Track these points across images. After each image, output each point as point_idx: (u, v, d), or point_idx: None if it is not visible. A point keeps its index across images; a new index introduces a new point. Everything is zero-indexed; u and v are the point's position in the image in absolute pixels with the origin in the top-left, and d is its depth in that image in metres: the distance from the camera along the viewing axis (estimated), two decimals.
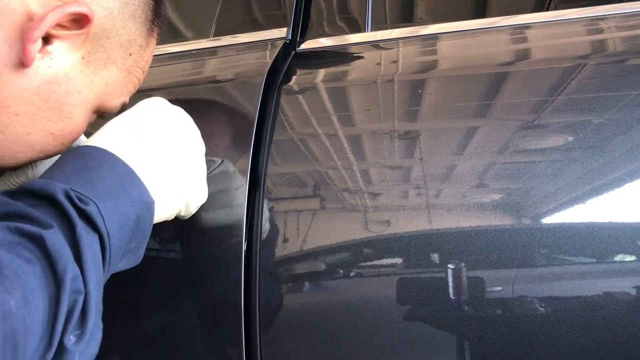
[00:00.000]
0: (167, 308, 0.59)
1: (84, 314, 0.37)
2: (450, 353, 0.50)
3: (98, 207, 0.40)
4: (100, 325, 0.40)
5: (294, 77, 0.67)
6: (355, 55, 0.71)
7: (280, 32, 0.74)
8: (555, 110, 0.54)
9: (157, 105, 0.52)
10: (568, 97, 0.55)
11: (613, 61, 0.59)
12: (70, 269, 0.36)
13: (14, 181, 0.53)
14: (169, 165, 0.49)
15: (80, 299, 0.37)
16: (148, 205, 0.45)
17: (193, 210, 0.54)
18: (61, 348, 0.36)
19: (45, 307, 0.35)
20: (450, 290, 0.50)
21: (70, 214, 0.38)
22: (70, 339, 0.36)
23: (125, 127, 0.48)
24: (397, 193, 0.55)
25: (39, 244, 0.36)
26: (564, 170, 0.51)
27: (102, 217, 0.40)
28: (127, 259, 0.45)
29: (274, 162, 0.60)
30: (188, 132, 0.53)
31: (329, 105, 0.64)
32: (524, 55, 0.64)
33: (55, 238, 0.37)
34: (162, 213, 0.49)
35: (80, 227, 0.39)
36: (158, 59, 0.80)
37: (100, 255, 0.40)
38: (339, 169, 0.57)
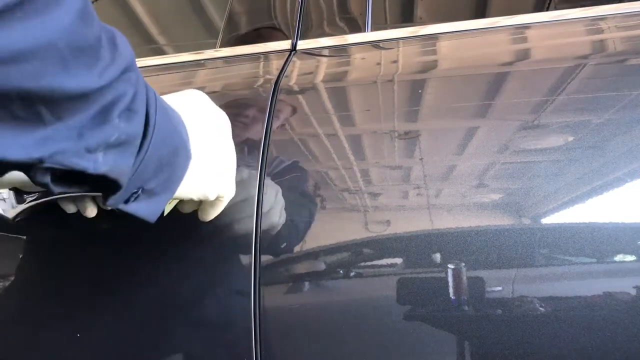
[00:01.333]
0: (175, 310, 0.59)
1: (130, 112, 0.35)
2: (450, 353, 0.50)
3: (156, 96, 0.38)
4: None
5: (293, 77, 0.67)
6: (355, 55, 0.71)
7: (286, 44, 0.75)
8: (555, 110, 0.54)
9: (205, 98, 0.53)
10: (568, 97, 0.55)
11: (613, 61, 0.59)
12: (129, 60, 0.34)
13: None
14: (210, 145, 0.49)
15: (130, 93, 0.35)
16: (187, 151, 0.44)
17: (214, 195, 0.51)
18: (105, 116, 0.33)
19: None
20: (450, 290, 0.50)
21: (135, 70, 0.36)
22: (115, 116, 0.34)
23: (176, 100, 0.48)
24: (397, 193, 0.55)
25: (109, 32, 0.34)
26: (564, 170, 0.51)
27: (156, 102, 0.38)
28: (146, 200, 0.42)
29: (273, 162, 0.60)
30: (228, 127, 0.54)
31: (328, 105, 0.64)
32: (524, 55, 0.64)
33: (125, 40, 0.35)
34: (195, 182, 0.48)
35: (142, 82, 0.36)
36: (167, 67, 0.81)
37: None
38: (339, 169, 0.57)
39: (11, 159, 0.30)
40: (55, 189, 0.35)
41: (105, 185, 0.37)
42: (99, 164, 0.34)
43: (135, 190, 0.40)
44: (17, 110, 0.29)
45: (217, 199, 0.53)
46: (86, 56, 0.31)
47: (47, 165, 0.32)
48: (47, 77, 0.29)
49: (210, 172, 0.50)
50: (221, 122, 0.53)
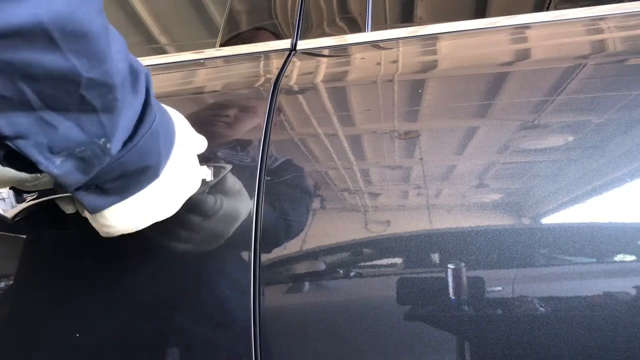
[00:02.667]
0: (175, 310, 0.59)
1: (108, 141, 0.37)
2: (450, 353, 0.50)
3: (156, 118, 0.40)
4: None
5: (293, 77, 0.67)
6: (355, 55, 0.71)
7: (286, 44, 0.75)
8: (555, 110, 0.54)
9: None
10: (568, 97, 0.55)
11: (613, 61, 0.59)
12: (139, 68, 0.37)
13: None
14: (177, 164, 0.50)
15: (125, 112, 0.37)
16: (156, 171, 0.45)
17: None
18: (85, 124, 0.35)
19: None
20: (450, 290, 0.50)
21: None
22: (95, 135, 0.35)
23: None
24: (397, 193, 0.55)
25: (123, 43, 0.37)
26: (564, 170, 0.51)
27: (152, 125, 0.40)
28: (96, 195, 0.43)
29: (273, 161, 0.60)
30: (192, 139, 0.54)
31: (328, 105, 0.64)
32: (524, 55, 0.64)
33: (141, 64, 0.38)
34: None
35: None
36: (167, 67, 0.81)
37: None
38: (339, 169, 0.57)
39: None
40: (3, 163, 0.36)
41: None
42: (54, 166, 0.35)
43: (86, 184, 0.41)
44: (1, 90, 0.30)
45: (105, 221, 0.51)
46: (82, 43, 0.32)
47: (7, 143, 0.33)
48: (26, 52, 0.30)
49: (154, 203, 0.49)
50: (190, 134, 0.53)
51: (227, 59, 0.80)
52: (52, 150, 0.34)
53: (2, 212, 0.61)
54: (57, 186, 0.39)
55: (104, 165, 0.39)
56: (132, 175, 0.42)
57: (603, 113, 0.52)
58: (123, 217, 0.47)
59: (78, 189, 0.41)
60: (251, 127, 0.65)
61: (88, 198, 0.43)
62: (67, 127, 0.34)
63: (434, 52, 0.67)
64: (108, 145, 0.37)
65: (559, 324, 0.47)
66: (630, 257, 0.48)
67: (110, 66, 0.35)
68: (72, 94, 0.33)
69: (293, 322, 0.55)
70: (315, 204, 0.57)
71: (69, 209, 0.59)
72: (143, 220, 0.49)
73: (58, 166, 0.35)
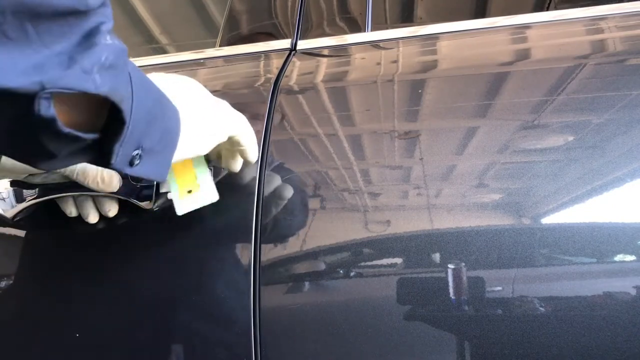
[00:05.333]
0: (175, 310, 0.59)
1: (112, 37, 0.37)
2: (450, 353, 0.50)
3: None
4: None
5: (293, 77, 0.67)
6: (355, 55, 0.71)
7: (285, 43, 0.75)
8: (555, 110, 0.54)
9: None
10: (568, 97, 0.55)
11: (613, 61, 0.59)
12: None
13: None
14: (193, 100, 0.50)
15: (109, 22, 0.36)
16: (170, 102, 0.45)
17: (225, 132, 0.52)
18: (90, 40, 0.35)
19: None
20: (450, 290, 0.50)
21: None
22: (100, 39, 0.35)
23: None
24: (397, 193, 0.55)
25: None
26: (564, 170, 0.51)
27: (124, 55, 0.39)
28: (150, 160, 0.43)
29: (273, 162, 0.60)
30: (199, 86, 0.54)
31: (328, 105, 0.64)
32: (524, 55, 0.64)
33: None
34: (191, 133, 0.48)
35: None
36: (167, 67, 0.81)
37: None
38: (339, 169, 0.57)
39: (13, 86, 0.31)
40: (63, 128, 0.35)
41: (110, 129, 0.38)
42: (99, 83, 0.35)
43: (136, 151, 0.41)
44: (8, 30, 0.31)
45: (236, 142, 0.54)
46: None
47: (49, 90, 0.33)
48: None
49: (205, 121, 0.50)
50: (190, 82, 0.53)
51: (227, 58, 0.80)
52: (85, 70, 0.35)
53: (2, 212, 0.61)
54: (112, 154, 0.39)
55: (130, 108, 0.39)
56: (157, 115, 0.42)
57: (603, 113, 0.52)
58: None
59: (132, 164, 0.41)
60: None
61: (146, 168, 0.42)
62: (74, 48, 0.34)
63: (434, 52, 0.67)
64: (116, 40, 0.37)
65: (559, 324, 0.47)
66: (630, 257, 0.49)
67: None
68: (66, 25, 0.34)
69: (293, 322, 0.55)
70: (316, 204, 0.57)
71: (72, 212, 0.59)
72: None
73: (101, 82, 0.36)
